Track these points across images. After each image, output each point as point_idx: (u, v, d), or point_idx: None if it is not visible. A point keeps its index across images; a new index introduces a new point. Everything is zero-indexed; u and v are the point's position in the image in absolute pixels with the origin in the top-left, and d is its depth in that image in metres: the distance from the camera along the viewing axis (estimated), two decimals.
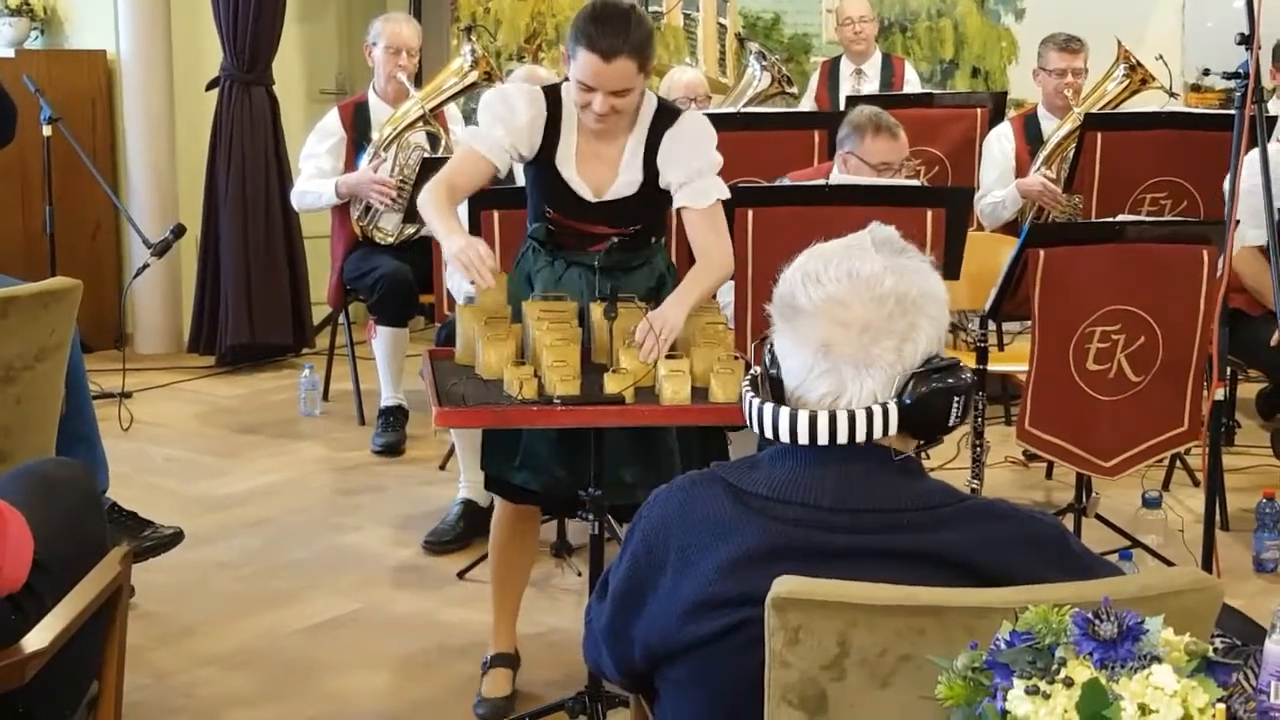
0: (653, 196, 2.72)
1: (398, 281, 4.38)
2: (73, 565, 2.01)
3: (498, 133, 2.67)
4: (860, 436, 1.45)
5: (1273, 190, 2.84)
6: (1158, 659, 1.05)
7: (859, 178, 3.56)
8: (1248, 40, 2.62)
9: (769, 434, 1.49)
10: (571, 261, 2.72)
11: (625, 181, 2.71)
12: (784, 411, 1.47)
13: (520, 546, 2.85)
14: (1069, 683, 1.04)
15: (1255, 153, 2.93)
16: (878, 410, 1.45)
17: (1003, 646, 1.10)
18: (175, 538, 3.21)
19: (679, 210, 2.72)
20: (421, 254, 4.34)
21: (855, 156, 3.60)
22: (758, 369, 1.55)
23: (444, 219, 2.62)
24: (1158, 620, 1.08)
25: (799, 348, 1.48)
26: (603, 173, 2.70)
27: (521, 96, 2.70)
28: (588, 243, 2.72)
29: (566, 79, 2.71)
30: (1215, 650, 1.14)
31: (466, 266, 2.49)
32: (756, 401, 1.51)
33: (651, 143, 2.70)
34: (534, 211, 2.78)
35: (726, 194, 2.76)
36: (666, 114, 2.73)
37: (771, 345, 1.54)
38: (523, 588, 2.87)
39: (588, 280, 2.70)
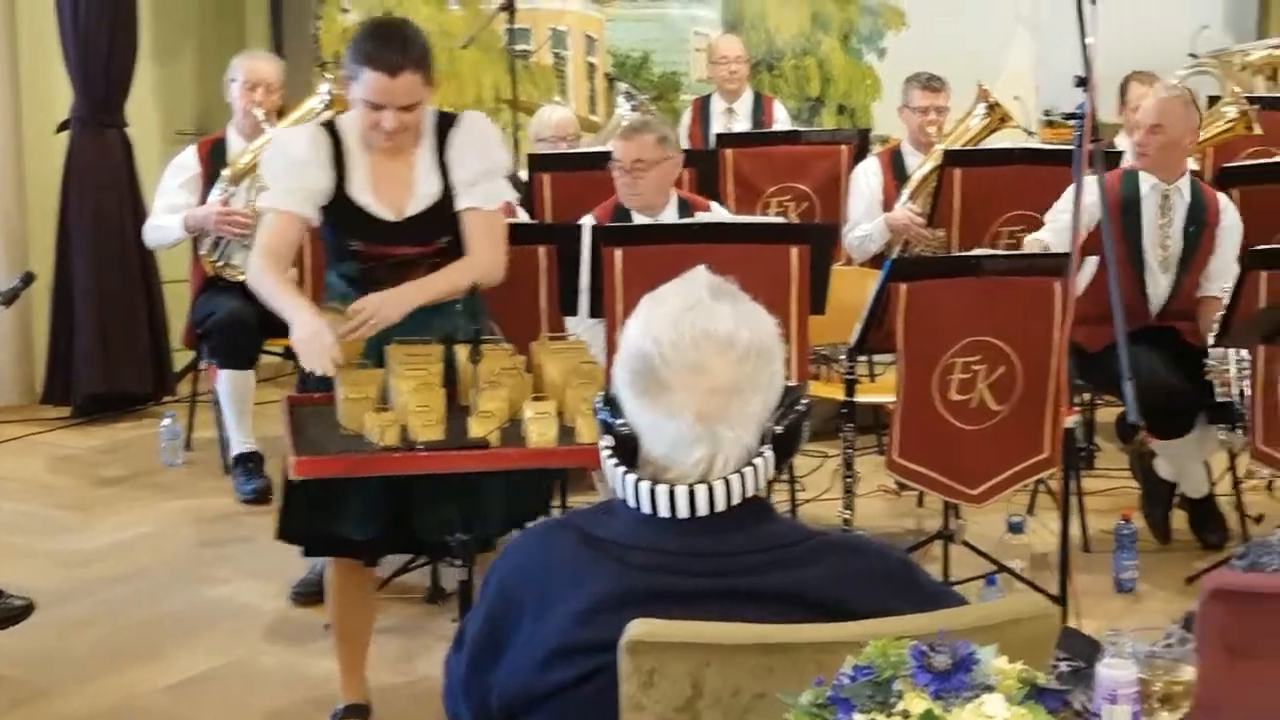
0: (453, 205, 2.73)
1: (235, 322, 4.24)
2: None
3: (290, 184, 2.67)
4: (736, 499, 1.44)
5: (1086, 218, 2.99)
6: (990, 688, 1.07)
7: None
8: (1084, 82, 2.74)
9: (645, 509, 1.44)
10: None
11: (423, 194, 2.72)
12: (661, 489, 1.43)
13: (362, 599, 2.81)
14: (905, 715, 1.05)
15: (1091, 181, 3.05)
16: (759, 464, 1.45)
17: (845, 681, 1.11)
18: (26, 610, 3.09)
19: (462, 212, 2.72)
20: None
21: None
22: (608, 437, 1.49)
23: (284, 294, 2.61)
24: (990, 650, 1.10)
25: (670, 420, 1.44)
26: (399, 192, 2.71)
27: (299, 137, 2.73)
28: (401, 270, 2.70)
29: (338, 114, 2.71)
30: (1058, 675, 1.16)
31: (306, 357, 2.50)
32: (624, 473, 1.46)
33: (440, 148, 2.72)
34: (337, 252, 2.75)
35: (513, 195, 2.80)
36: (447, 118, 2.76)
37: (616, 402, 1.49)
38: (368, 637, 2.84)
39: (418, 319, 2.66)
